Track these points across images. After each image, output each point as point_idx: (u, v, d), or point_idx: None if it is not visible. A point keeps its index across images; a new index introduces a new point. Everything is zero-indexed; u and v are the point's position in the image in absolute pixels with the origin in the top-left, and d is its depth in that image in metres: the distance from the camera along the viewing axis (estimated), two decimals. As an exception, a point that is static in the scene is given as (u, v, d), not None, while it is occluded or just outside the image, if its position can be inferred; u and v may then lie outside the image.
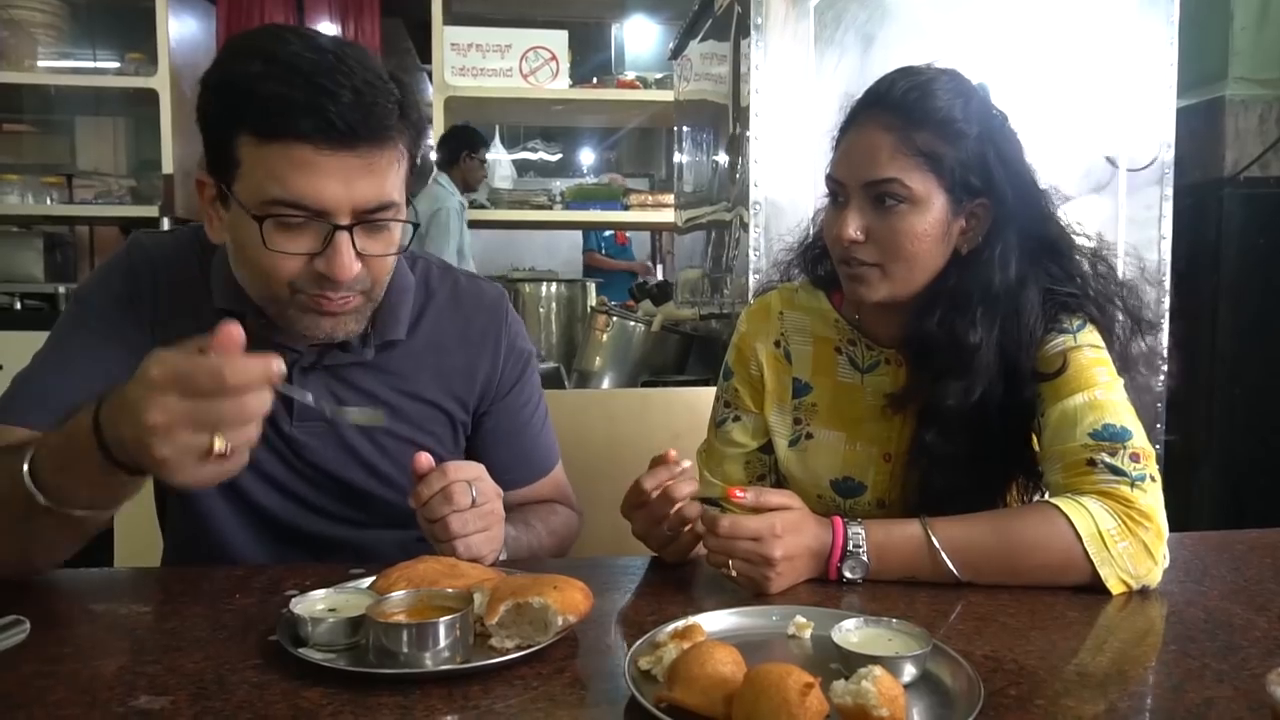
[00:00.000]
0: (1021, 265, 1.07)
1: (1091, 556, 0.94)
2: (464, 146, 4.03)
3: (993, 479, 1.15)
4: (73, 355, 1.05)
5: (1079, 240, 1.13)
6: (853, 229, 1.05)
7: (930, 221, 1.04)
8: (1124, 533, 0.95)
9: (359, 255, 0.94)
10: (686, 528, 1.00)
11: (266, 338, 1.07)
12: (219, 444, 0.71)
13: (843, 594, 0.96)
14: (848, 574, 0.97)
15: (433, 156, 4.10)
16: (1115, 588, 0.94)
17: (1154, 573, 0.96)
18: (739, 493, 0.96)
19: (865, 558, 0.97)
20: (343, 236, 0.92)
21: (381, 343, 1.09)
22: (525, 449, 1.23)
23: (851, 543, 0.96)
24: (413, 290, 1.12)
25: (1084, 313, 1.08)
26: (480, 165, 4.16)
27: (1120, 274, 1.15)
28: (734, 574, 0.94)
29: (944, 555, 0.95)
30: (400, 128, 0.94)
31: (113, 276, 1.08)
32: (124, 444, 0.75)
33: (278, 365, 0.73)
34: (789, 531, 0.94)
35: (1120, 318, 1.11)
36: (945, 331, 1.06)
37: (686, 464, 1.01)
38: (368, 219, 0.94)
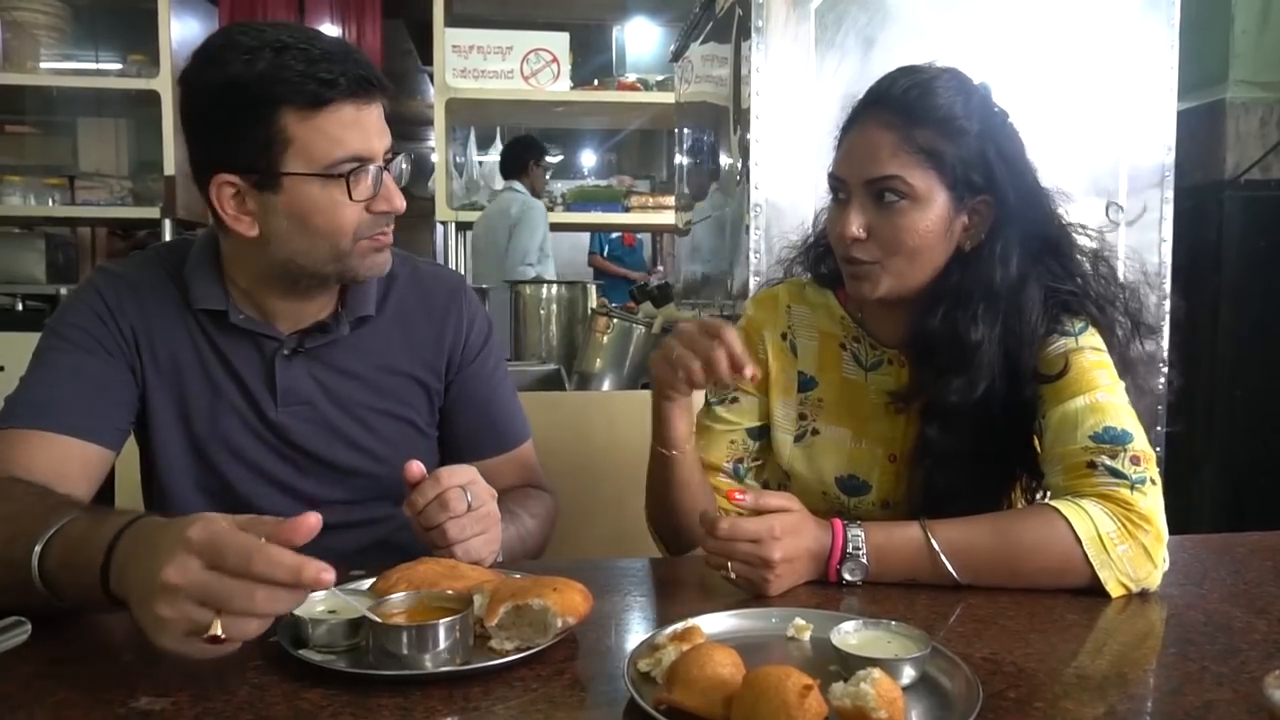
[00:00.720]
0: (1023, 262, 1.07)
1: (1091, 559, 0.94)
2: (530, 155, 4.22)
3: (996, 479, 1.15)
4: (59, 368, 1.08)
5: (1081, 240, 1.13)
6: (855, 226, 1.06)
7: (932, 218, 1.05)
8: (1124, 535, 0.95)
9: None
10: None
11: (248, 331, 1.12)
12: (217, 628, 0.67)
13: (842, 596, 0.96)
14: (847, 576, 0.97)
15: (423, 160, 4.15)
16: (1115, 590, 0.94)
17: (1154, 576, 0.96)
18: (738, 495, 0.96)
19: (864, 560, 0.97)
20: (387, 175, 1.05)
21: (354, 319, 1.16)
22: (495, 416, 1.27)
23: (851, 545, 0.97)
24: None
25: (1085, 312, 1.09)
26: (544, 172, 4.36)
27: (1121, 276, 1.15)
28: (733, 576, 0.94)
29: (943, 558, 0.96)
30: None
31: (87, 297, 1.12)
32: (130, 584, 0.72)
33: (317, 573, 0.67)
34: (788, 534, 0.94)
35: (1120, 319, 1.11)
36: (947, 328, 1.06)
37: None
38: (386, 159, 1.06)
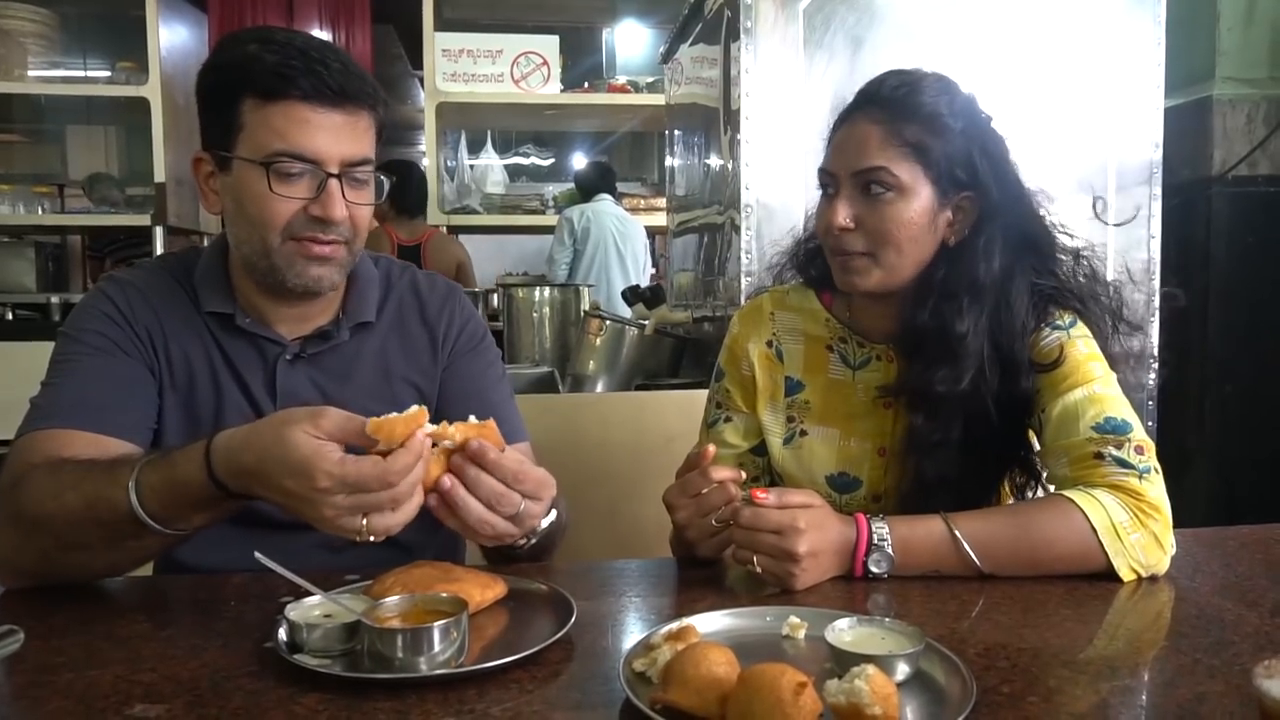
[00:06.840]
0: (1006, 258, 1.10)
1: (1106, 548, 0.97)
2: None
3: (985, 471, 1.16)
4: (84, 371, 1.08)
5: (1062, 239, 1.16)
6: (842, 216, 1.09)
7: (917, 210, 1.08)
8: (1136, 524, 0.98)
9: (345, 203, 1.06)
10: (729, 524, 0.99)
11: (255, 335, 1.14)
12: (367, 532, 0.82)
13: (845, 595, 0.96)
14: (873, 569, 0.98)
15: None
16: (1127, 576, 0.97)
17: (1163, 561, 0.99)
18: (761, 494, 0.97)
19: (890, 551, 0.97)
20: (333, 183, 1.05)
21: (354, 325, 1.18)
22: (490, 411, 1.24)
23: (876, 536, 0.97)
24: (377, 281, 1.23)
25: (1069, 306, 1.11)
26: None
27: (1109, 276, 1.17)
28: (759, 570, 0.95)
29: (967, 547, 0.97)
30: (375, 99, 1.08)
31: (99, 303, 1.12)
32: (259, 459, 0.84)
33: (423, 421, 0.84)
34: (812, 528, 0.95)
35: (1099, 313, 1.13)
36: (935, 321, 1.09)
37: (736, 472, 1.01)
38: (351, 171, 1.06)
